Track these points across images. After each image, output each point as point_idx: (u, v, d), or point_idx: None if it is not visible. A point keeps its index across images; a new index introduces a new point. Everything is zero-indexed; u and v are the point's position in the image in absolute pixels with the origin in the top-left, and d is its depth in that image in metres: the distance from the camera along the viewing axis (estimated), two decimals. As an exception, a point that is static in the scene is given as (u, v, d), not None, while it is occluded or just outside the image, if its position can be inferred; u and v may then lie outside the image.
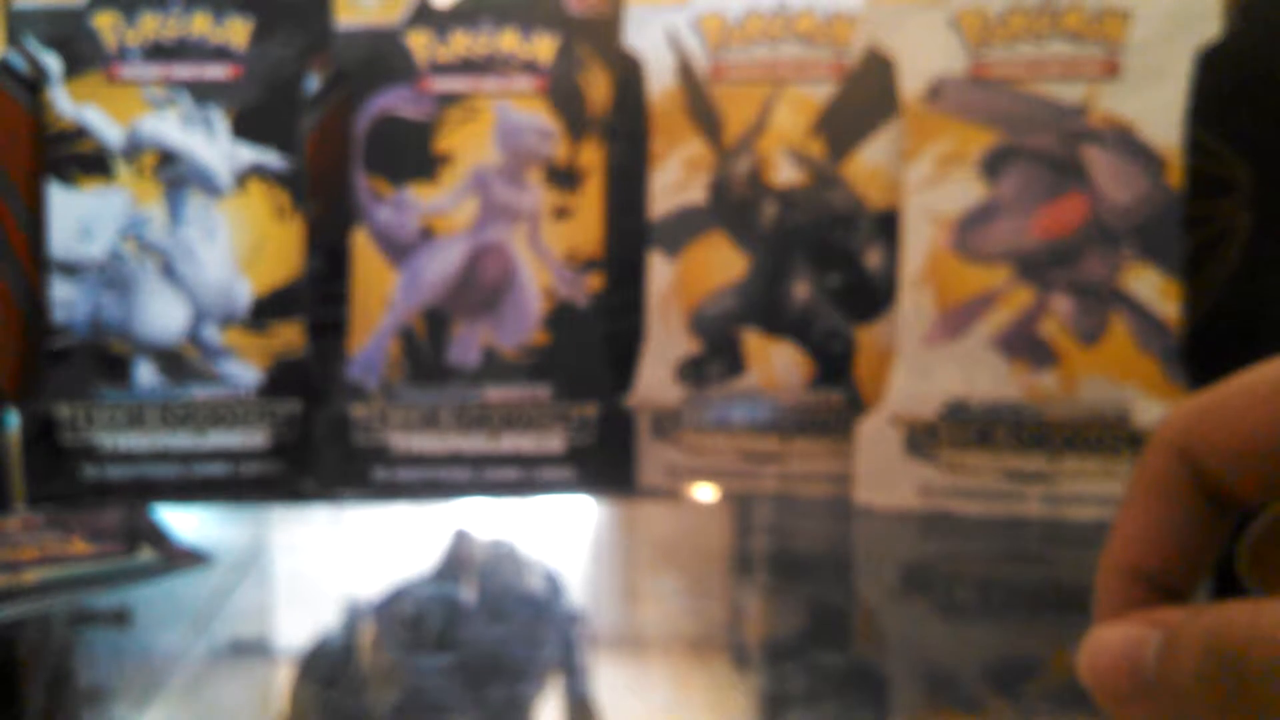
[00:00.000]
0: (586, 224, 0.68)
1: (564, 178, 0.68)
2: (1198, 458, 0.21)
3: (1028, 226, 0.62)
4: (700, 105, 0.67)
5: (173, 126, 0.67)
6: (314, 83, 0.69)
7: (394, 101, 0.68)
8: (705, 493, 0.67)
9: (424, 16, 0.67)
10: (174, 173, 0.67)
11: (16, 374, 0.68)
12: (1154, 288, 0.61)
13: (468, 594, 0.51)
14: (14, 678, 0.44)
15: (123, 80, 0.67)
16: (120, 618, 0.48)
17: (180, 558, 0.54)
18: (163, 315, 0.67)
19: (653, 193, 0.68)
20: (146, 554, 0.54)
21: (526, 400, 0.67)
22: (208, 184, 0.67)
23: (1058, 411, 0.62)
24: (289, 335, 0.68)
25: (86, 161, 0.67)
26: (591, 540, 0.62)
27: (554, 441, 0.67)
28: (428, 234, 0.68)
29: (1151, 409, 0.60)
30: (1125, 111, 0.61)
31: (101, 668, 0.44)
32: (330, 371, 0.68)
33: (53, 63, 0.67)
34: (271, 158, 0.68)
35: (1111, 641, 0.20)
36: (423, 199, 0.68)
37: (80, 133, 0.67)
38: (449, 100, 0.67)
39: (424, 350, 0.68)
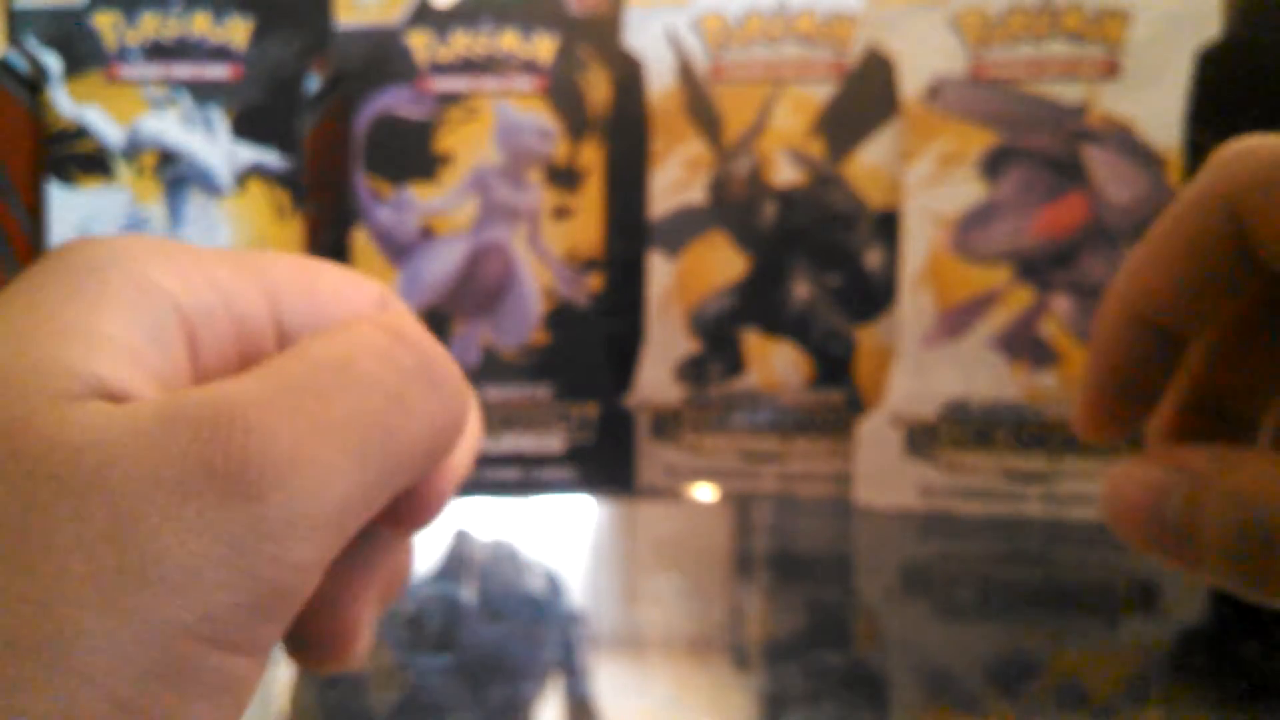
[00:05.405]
0: (586, 224, 0.68)
1: (564, 178, 0.68)
2: (1246, 218, 0.20)
3: (1028, 226, 0.62)
4: (700, 105, 0.67)
5: (173, 126, 0.67)
6: (314, 83, 0.69)
7: (394, 101, 0.68)
8: (705, 493, 0.67)
9: (424, 16, 0.67)
10: (174, 172, 0.67)
11: (16, 374, 0.68)
12: (1154, 288, 0.61)
13: (468, 594, 0.51)
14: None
15: (123, 80, 0.67)
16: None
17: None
18: (163, 315, 0.67)
19: (653, 193, 0.68)
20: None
21: (526, 400, 0.67)
22: (208, 184, 0.67)
23: (1058, 411, 0.62)
24: (289, 335, 0.68)
25: (86, 161, 0.67)
26: (591, 540, 0.62)
27: (554, 441, 0.67)
28: (428, 234, 0.68)
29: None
30: (1125, 111, 0.61)
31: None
32: (330, 371, 0.68)
33: (53, 63, 0.67)
34: (271, 158, 0.68)
35: (1134, 484, 0.20)
36: (423, 199, 0.68)
37: (80, 133, 0.67)
38: (449, 100, 0.67)
39: (424, 350, 0.68)
